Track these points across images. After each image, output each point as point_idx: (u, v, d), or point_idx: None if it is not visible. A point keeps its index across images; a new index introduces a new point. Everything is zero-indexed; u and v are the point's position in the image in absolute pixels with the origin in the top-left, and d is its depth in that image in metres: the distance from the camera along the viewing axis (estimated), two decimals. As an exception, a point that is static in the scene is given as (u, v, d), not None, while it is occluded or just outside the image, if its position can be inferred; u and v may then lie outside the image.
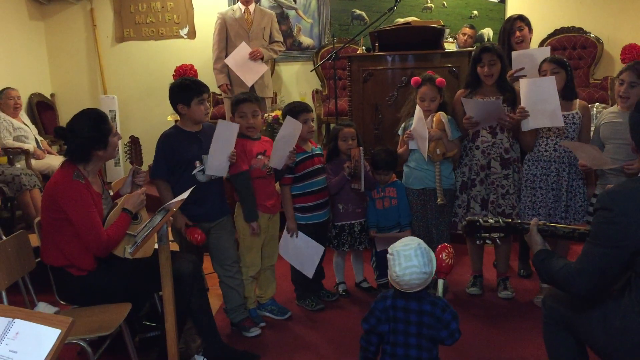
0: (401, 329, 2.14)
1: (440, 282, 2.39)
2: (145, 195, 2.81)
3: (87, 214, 2.60)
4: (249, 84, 5.05)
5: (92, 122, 2.70)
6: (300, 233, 3.44)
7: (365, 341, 2.24)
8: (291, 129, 3.24)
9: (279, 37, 5.38)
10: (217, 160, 3.05)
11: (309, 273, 3.46)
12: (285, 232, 3.47)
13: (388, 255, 2.15)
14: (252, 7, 5.26)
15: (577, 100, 3.33)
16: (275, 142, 3.23)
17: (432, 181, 3.47)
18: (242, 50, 5.02)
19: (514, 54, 3.66)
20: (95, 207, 2.66)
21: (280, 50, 5.40)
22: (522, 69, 3.65)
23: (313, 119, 3.50)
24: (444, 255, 2.29)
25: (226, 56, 5.10)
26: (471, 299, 3.62)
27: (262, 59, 5.11)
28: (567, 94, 3.29)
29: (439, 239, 3.56)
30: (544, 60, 3.33)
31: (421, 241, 2.14)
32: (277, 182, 3.44)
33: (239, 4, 5.26)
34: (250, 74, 5.05)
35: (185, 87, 3.05)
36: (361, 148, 3.42)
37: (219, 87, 5.28)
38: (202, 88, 3.08)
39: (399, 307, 2.14)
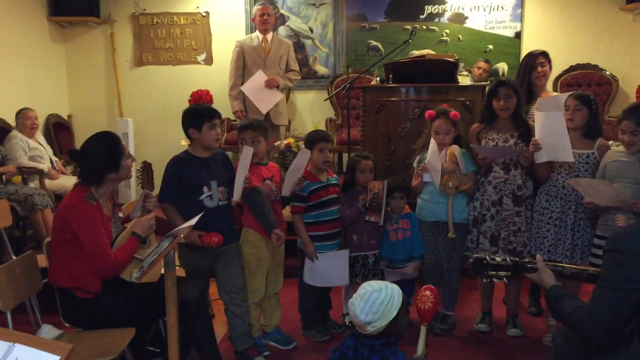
0: None
1: (423, 329, 2.32)
2: (155, 220, 2.82)
3: (96, 236, 2.61)
4: (264, 112, 5.11)
5: (104, 145, 2.74)
6: (318, 254, 3.40)
7: None
8: (301, 157, 3.27)
9: (295, 66, 5.45)
10: (237, 188, 3.11)
11: (344, 281, 3.44)
12: (306, 261, 3.42)
13: None
14: (269, 36, 5.36)
15: (600, 139, 3.27)
16: (288, 172, 3.26)
17: (445, 214, 3.44)
18: (259, 77, 5.10)
19: (540, 100, 3.59)
20: (105, 229, 2.67)
21: (296, 79, 5.47)
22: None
23: (331, 149, 3.49)
24: (427, 302, 2.23)
25: (242, 83, 5.17)
26: (480, 336, 3.56)
27: (277, 87, 5.17)
28: (587, 132, 3.25)
29: (450, 273, 3.53)
30: (571, 95, 3.31)
31: (388, 292, 2.04)
32: (284, 207, 3.44)
33: (257, 33, 5.36)
34: (265, 101, 5.12)
35: (197, 112, 3.09)
36: (385, 182, 3.42)
37: (234, 113, 5.34)
38: (214, 113, 3.12)
39: (358, 350, 2.08)
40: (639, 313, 1.89)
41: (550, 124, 3.14)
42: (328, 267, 3.40)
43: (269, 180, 3.29)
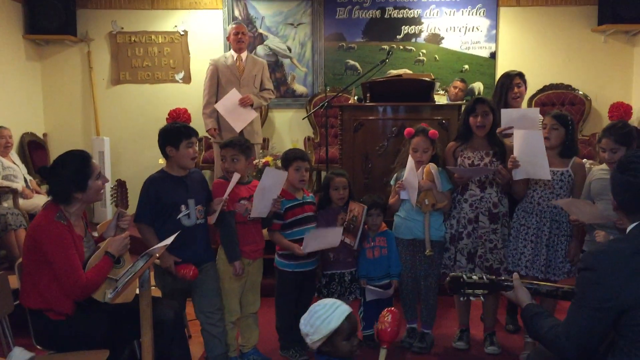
0: None
1: (382, 352, 2.27)
2: (129, 239, 2.78)
3: (66, 256, 2.55)
4: (238, 130, 5.10)
5: (73, 163, 2.69)
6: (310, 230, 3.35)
7: None
8: (273, 179, 3.23)
9: (269, 85, 5.46)
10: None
11: (337, 241, 3.34)
12: (305, 236, 3.30)
13: None
14: (244, 55, 5.36)
15: (574, 158, 3.33)
16: (255, 193, 3.20)
17: (422, 232, 3.45)
18: (232, 96, 5.09)
19: (503, 111, 3.68)
20: (76, 249, 2.61)
21: (270, 98, 5.48)
22: (511, 127, 3.68)
23: (307, 168, 3.47)
24: (385, 323, 2.20)
25: (216, 102, 5.16)
26: (458, 353, 3.55)
27: (251, 105, 5.17)
28: (563, 151, 3.31)
29: (427, 291, 3.54)
30: (548, 114, 3.38)
31: (328, 310, 2.03)
32: (265, 229, 3.42)
33: (232, 51, 5.36)
34: (239, 120, 5.11)
35: (175, 130, 3.08)
36: (365, 207, 3.43)
37: (207, 131, 5.33)
38: (191, 132, 3.10)
39: None
40: (612, 330, 1.91)
41: (528, 142, 3.19)
42: (323, 232, 3.33)
43: (246, 200, 3.27)
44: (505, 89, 4.03)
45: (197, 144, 3.20)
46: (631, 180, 1.95)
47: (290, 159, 3.42)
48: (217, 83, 5.31)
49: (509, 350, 3.56)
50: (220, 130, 5.23)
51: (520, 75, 4.05)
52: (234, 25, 5.39)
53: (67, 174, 2.65)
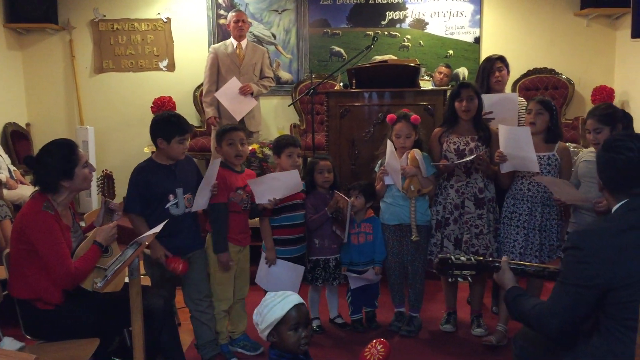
0: None
1: None
2: (117, 229, 2.77)
3: (54, 245, 2.55)
4: (238, 118, 5.10)
5: (59, 152, 2.66)
6: (277, 259, 3.42)
7: None
8: (292, 182, 3.26)
9: (269, 73, 5.46)
10: (200, 197, 3.08)
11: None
12: (262, 262, 3.44)
13: None
14: (244, 42, 5.35)
15: (559, 142, 3.37)
16: (268, 177, 3.24)
17: (408, 217, 3.48)
18: (233, 84, 5.08)
19: (483, 96, 3.71)
20: (64, 239, 2.61)
21: (270, 86, 5.46)
22: (491, 112, 3.71)
23: (299, 154, 3.50)
24: (374, 354, 2.13)
25: (217, 90, 5.15)
26: (445, 336, 3.61)
27: (252, 94, 5.16)
28: (548, 137, 3.35)
29: (414, 275, 3.57)
30: (532, 99, 3.41)
31: (275, 300, 2.04)
32: (252, 219, 3.43)
33: (232, 39, 5.34)
34: (239, 108, 5.12)
35: (169, 123, 3.02)
36: (350, 200, 3.45)
37: (207, 119, 5.32)
38: (186, 127, 3.05)
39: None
40: (597, 309, 1.95)
41: (515, 138, 3.22)
42: (282, 276, 3.41)
43: (242, 190, 3.27)
44: (486, 73, 4.06)
45: (189, 139, 3.16)
46: (615, 157, 1.98)
47: (282, 145, 3.43)
48: (217, 71, 5.29)
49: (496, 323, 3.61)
50: (220, 118, 5.23)
51: (502, 58, 4.08)
52: (234, 13, 5.36)
53: (54, 163, 2.63)
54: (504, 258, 2.28)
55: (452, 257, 2.25)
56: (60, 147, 2.69)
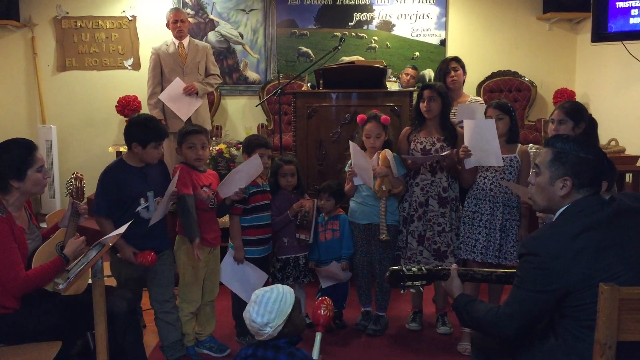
0: None
1: (318, 335, 2.41)
2: (85, 243, 2.68)
3: (4, 250, 2.44)
4: (184, 119, 5.04)
5: (15, 150, 2.59)
6: (245, 260, 3.41)
7: None
8: (253, 168, 3.24)
9: (215, 69, 5.38)
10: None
11: (248, 298, 3.38)
12: (227, 255, 3.41)
13: None
14: (186, 41, 5.25)
15: (519, 145, 3.43)
16: (231, 173, 3.22)
17: (378, 217, 3.50)
18: (176, 85, 5.02)
19: (459, 105, 3.78)
20: (17, 242, 2.51)
21: (216, 83, 5.40)
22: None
23: (270, 155, 3.50)
24: (322, 310, 2.39)
25: (162, 90, 5.07)
26: (411, 334, 3.65)
27: (197, 93, 5.10)
28: (509, 138, 3.39)
29: (382, 275, 3.59)
30: (489, 106, 3.45)
31: (279, 291, 2.08)
32: (220, 217, 3.41)
33: (173, 39, 5.24)
34: (184, 108, 5.06)
35: (146, 128, 2.97)
36: (315, 201, 3.47)
37: None
38: (163, 134, 3.01)
39: (259, 356, 2.07)
40: (553, 311, 1.96)
41: (480, 131, 3.26)
42: (246, 278, 3.40)
43: (207, 187, 3.25)
44: (442, 73, 4.15)
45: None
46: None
47: (253, 146, 3.41)
48: (161, 72, 5.20)
49: (460, 329, 3.66)
50: (166, 120, 5.12)
51: (457, 59, 4.15)
52: (171, 13, 5.24)
53: (7, 160, 2.56)
54: (454, 266, 2.31)
55: (404, 268, 2.28)
56: (18, 146, 2.62)
